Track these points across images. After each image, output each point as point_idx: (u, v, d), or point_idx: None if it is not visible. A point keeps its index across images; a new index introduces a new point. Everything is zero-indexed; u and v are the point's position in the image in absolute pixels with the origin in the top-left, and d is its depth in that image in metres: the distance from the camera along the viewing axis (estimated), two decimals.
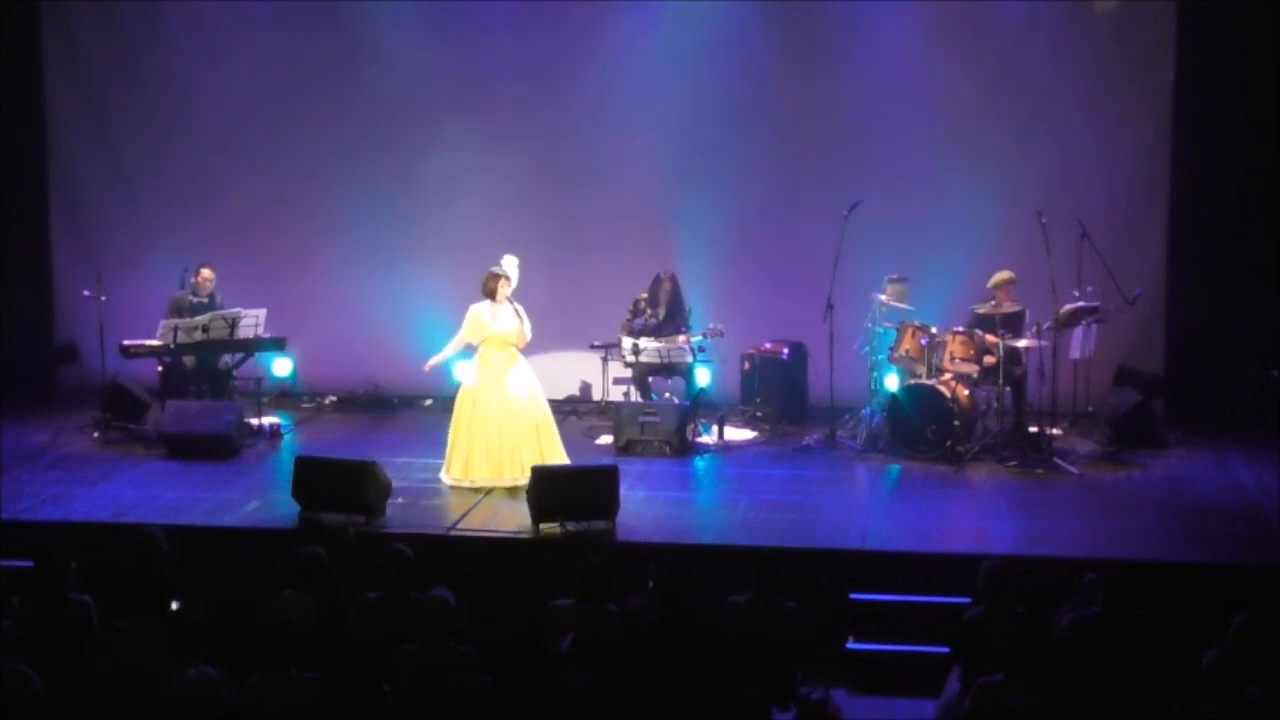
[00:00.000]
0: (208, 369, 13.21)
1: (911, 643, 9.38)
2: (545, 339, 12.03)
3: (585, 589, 8.42)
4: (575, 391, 14.17)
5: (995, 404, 12.39)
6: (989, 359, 12.17)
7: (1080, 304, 12.30)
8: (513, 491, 11.18)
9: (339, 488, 10.68)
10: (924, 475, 11.80)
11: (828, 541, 10.26)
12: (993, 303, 12.37)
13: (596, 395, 14.05)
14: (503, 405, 11.40)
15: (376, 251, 14.34)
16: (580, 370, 14.09)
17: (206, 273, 13.36)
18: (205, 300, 13.29)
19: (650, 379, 13.27)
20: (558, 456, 11.46)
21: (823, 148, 13.79)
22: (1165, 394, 13.27)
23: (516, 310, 11.41)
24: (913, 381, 12.33)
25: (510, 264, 11.53)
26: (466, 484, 11.37)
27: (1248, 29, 12.97)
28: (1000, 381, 12.18)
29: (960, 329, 12.33)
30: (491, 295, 11.42)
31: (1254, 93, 13.02)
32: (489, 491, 11.28)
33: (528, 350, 11.67)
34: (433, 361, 11.62)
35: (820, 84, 13.79)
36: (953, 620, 8.45)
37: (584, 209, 14.10)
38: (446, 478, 11.50)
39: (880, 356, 12.69)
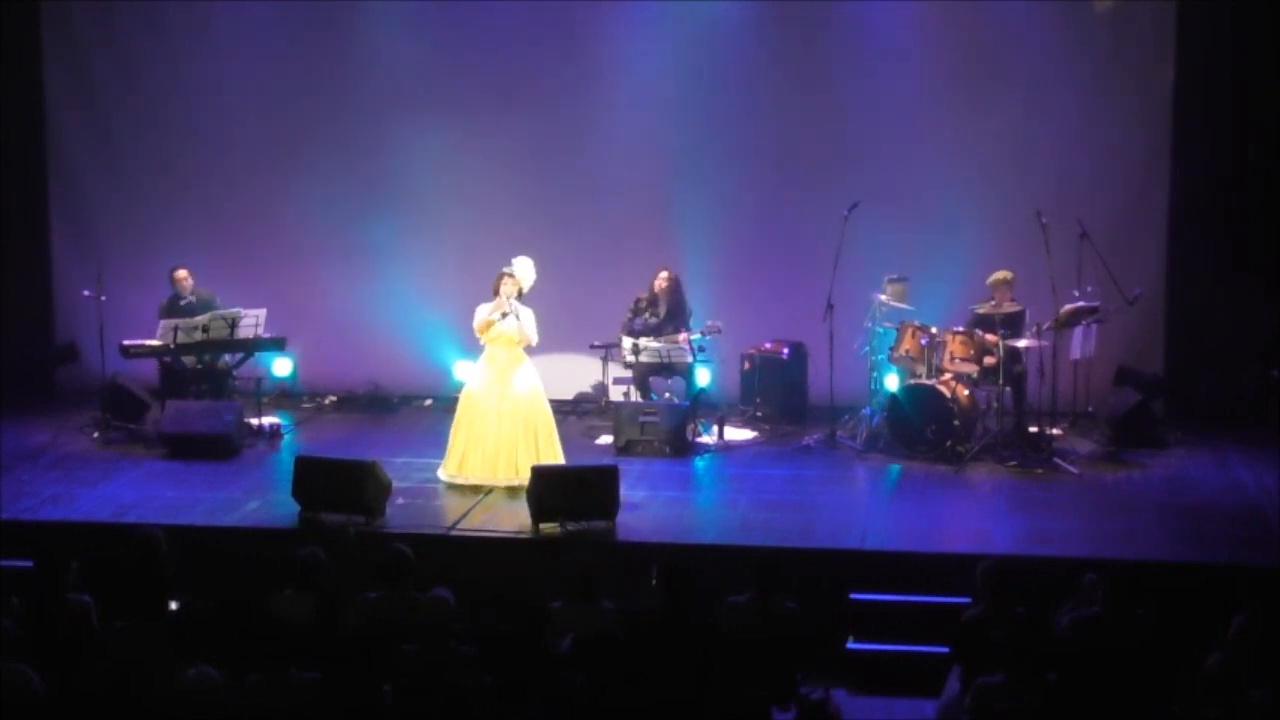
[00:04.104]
0: (208, 369, 13.21)
1: (911, 643, 9.38)
2: (545, 339, 12.02)
3: (574, 589, 8.41)
4: (587, 389, 14.16)
5: (995, 404, 12.39)
6: (989, 359, 12.17)
7: (1080, 304, 12.29)
8: (513, 491, 11.18)
9: (339, 488, 10.68)
10: (924, 475, 11.80)
11: (828, 541, 10.26)
12: (992, 303, 12.37)
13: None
14: (501, 405, 11.40)
15: (376, 252, 14.33)
16: (579, 371, 14.08)
17: (181, 273, 13.39)
18: (193, 299, 13.31)
19: (650, 379, 13.27)
20: (554, 459, 11.44)
21: (823, 148, 13.79)
22: (1165, 394, 13.26)
23: (515, 311, 11.41)
24: (913, 381, 12.33)
25: (521, 265, 11.48)
26: (460, 480, 11.39)
27: (1248, 29, 12.96)
28: (1000, 381, 12.18)
29: (960, 329, 12.33)
30: (495, 294, 11.42)
31: (1254, 93, 13.02)
32: (489, 491, 11.28)
33: (532, 349, 11.67)
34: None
35: (820, 84, 13.78)
36: (953, 620, 8.45)
37: (584, 209, 14.08)
38: (442, 474, 11.52)
39: (880, 356, 12.69)
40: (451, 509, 11.00)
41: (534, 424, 11.46)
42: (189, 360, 13.16)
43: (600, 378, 14.01)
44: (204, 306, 13.23)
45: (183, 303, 13.29)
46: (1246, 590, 8.53)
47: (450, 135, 14.21)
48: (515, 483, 11.22)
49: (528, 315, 11.45)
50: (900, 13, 13.59)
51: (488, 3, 14.10)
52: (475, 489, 11.31)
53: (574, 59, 14.06)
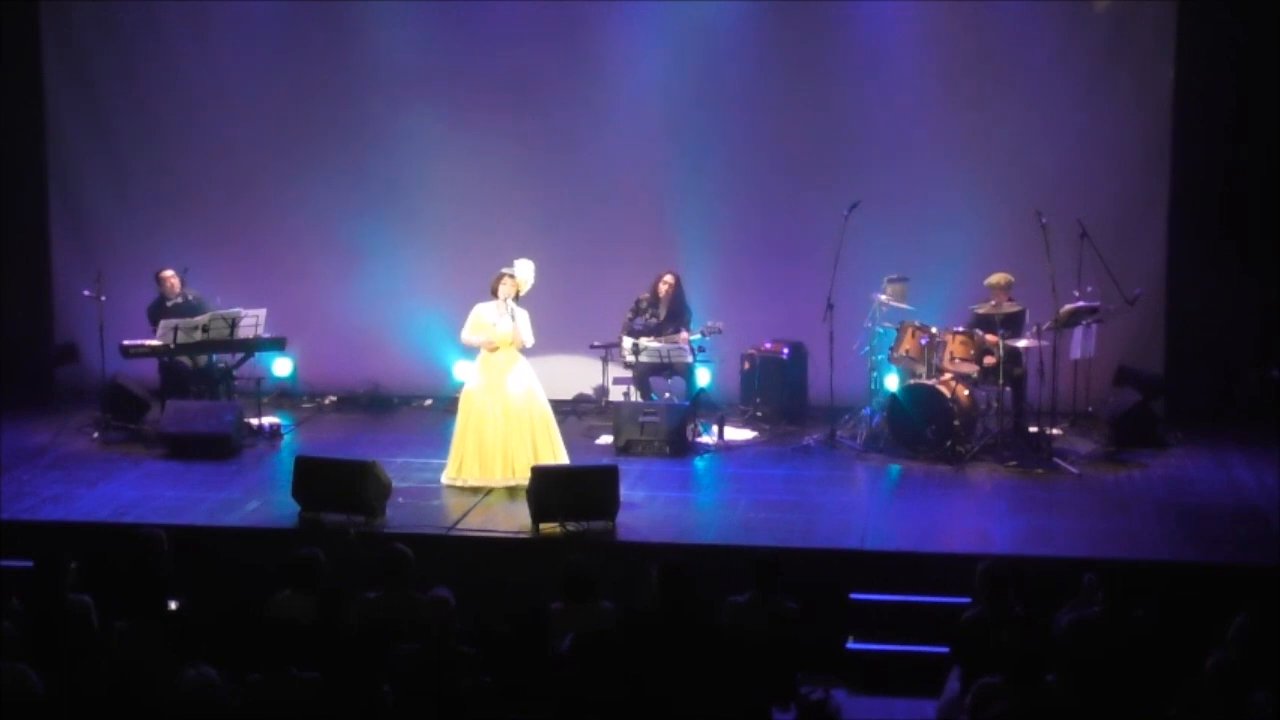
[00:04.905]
0: (208, 369, 13.21)
1: (911, 643, 9.38)
2: (546, 340, 12.03)
3: (568, 589, 8.40)
4: (587, 389, 14.17)
5: (995, 404, 12.39)
6: (989, 359, 12.17)
7: (1080, 304, 12.30)
8: (513, 491, 11.18)
9: (339, 488, 10.68)
10: (924, 475, 11.80)
11: (827, 541, 10.26)
12: (992, 303, 12.37)
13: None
14: (500, 406, 11.39)
15: (376, 251, 14.32)
16: (579, 371, 14.07)
17: (167, 274, 13.40)
18: (183, 299, 13.31)
19: (650, 379, 13.27)
20: (555, 457, 11.44)
21: (823, 148, 13.79)
22: (1165, 394, 13.26)
23: (512, 313, 11.40)
24: (913, 381, 12.34)
25: (522, 267, 11.46)
26: (459, 483, 11.39)
27: (1248, 29, 12.95)
28: (1000, 381, 12.18)
29: (960, 329, 12.33)
30: (494, 294, 11.42)
31: (1254, 93, 13.01)
32: (489, 491, 11.28)
33: (531, 349, 11.67)
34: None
35: (820, 84, 13.79)
36: (953, 620, 8.44)
37: (585, 209, 14.09)
38: (444, 478, 11.51)
39: (880, 356, 12.70)
40: (451, 509, 11.00)
41: (530, 423, 11.45)
42: (188, 360, 13.16)
43: (600, 378, 14.01)
44: (195, 306, 13.23)
45: (170, 304, 13.30)
46: (1246, 590, 8.53)
47: (450, 136, 14.20)
48: (513, 482, 11.22)
49: (523, 317, 11.45)
50: (900, 13, 13.59)
51: (489, 4, 14.10)
52: (475, 490, 11.31)
53: (574, 59, 14.06)
